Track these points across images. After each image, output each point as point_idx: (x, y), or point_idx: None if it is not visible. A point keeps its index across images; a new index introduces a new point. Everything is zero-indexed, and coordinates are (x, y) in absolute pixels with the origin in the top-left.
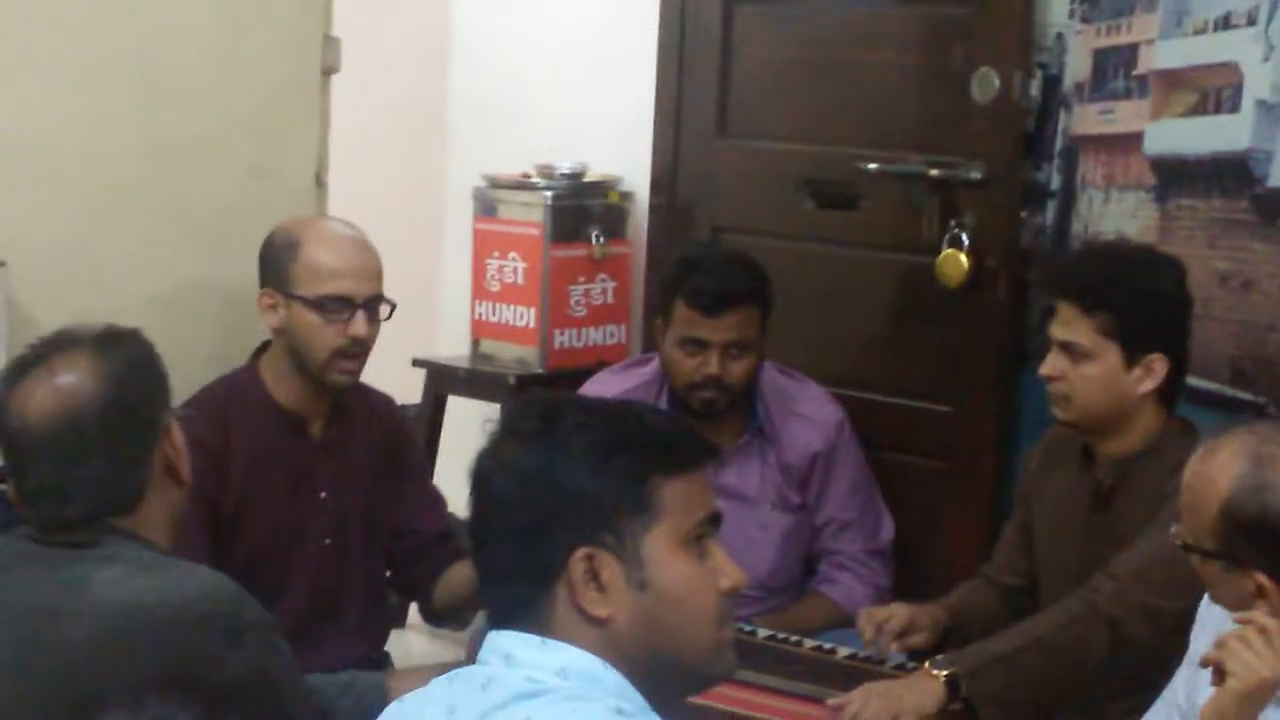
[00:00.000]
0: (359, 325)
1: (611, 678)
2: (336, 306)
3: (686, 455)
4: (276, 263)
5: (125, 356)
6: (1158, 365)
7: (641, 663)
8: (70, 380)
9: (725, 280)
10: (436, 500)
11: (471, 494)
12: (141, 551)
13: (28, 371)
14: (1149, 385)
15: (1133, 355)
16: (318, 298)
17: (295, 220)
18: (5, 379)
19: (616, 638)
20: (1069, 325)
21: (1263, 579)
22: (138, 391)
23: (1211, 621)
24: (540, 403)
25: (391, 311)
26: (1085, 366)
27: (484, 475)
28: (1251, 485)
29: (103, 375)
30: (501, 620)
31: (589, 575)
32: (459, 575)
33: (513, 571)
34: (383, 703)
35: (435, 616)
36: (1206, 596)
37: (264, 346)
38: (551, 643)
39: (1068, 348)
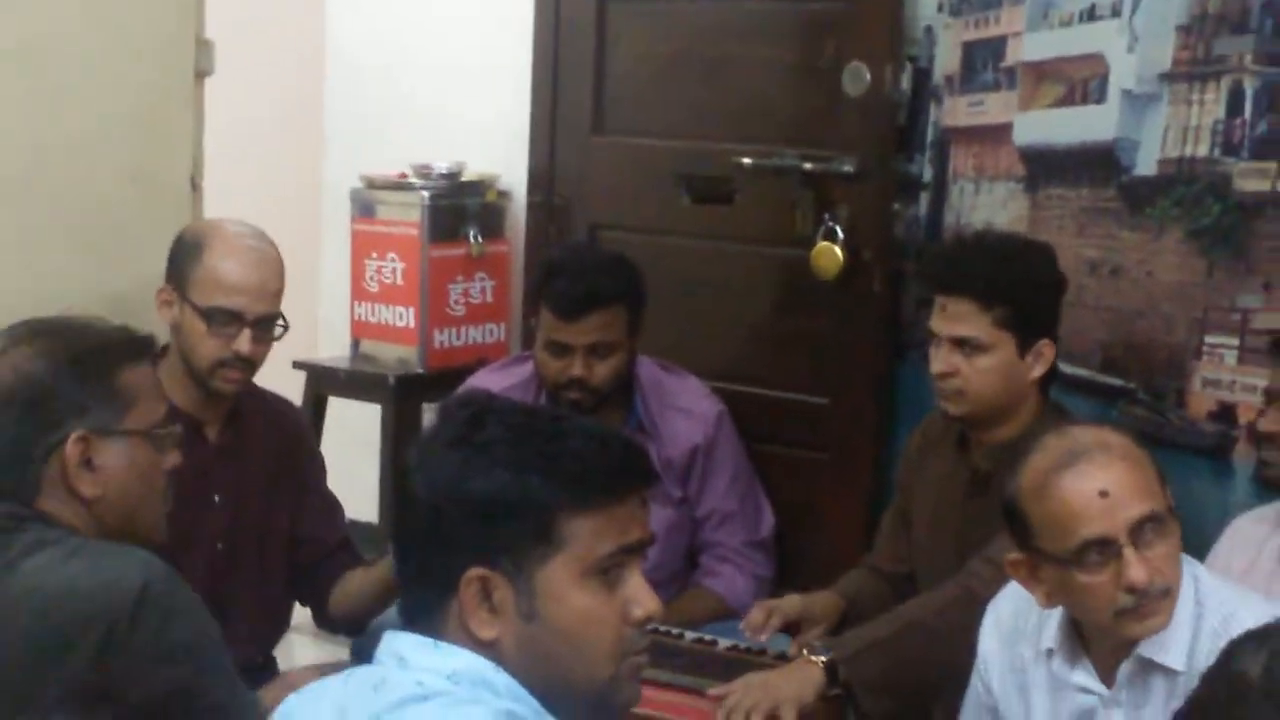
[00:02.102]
0: (244, 342)
1: (502, 681)
2: (224, 320)
3: (603, 487)
4: (180, 262)
5: (51, 348)
6: (1046, 350)
7: (531, 684)
8: (4, 361)
9: (584, 284)
10: (334, 507)
11: (395, 489)
12: (69, 535)
13: None
14: (1039, 370)
15: (1025, 344)
16: (207, 308)
17: (208, 223)
18: None
19: (503, 659)
20: (963, 320)
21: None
22: (42, 386)
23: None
24: (470, 406)
25: (284, 332)
26: (981, 359)
27: (407, 473)
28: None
29: (15, 365)
30: (409, 620)
31: (480, 596)
32: (354, 583)
33: (418, 575)
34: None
35: (330, 623)
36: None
37: (163, 350)
38: (444, 645)
39: (962, 343)
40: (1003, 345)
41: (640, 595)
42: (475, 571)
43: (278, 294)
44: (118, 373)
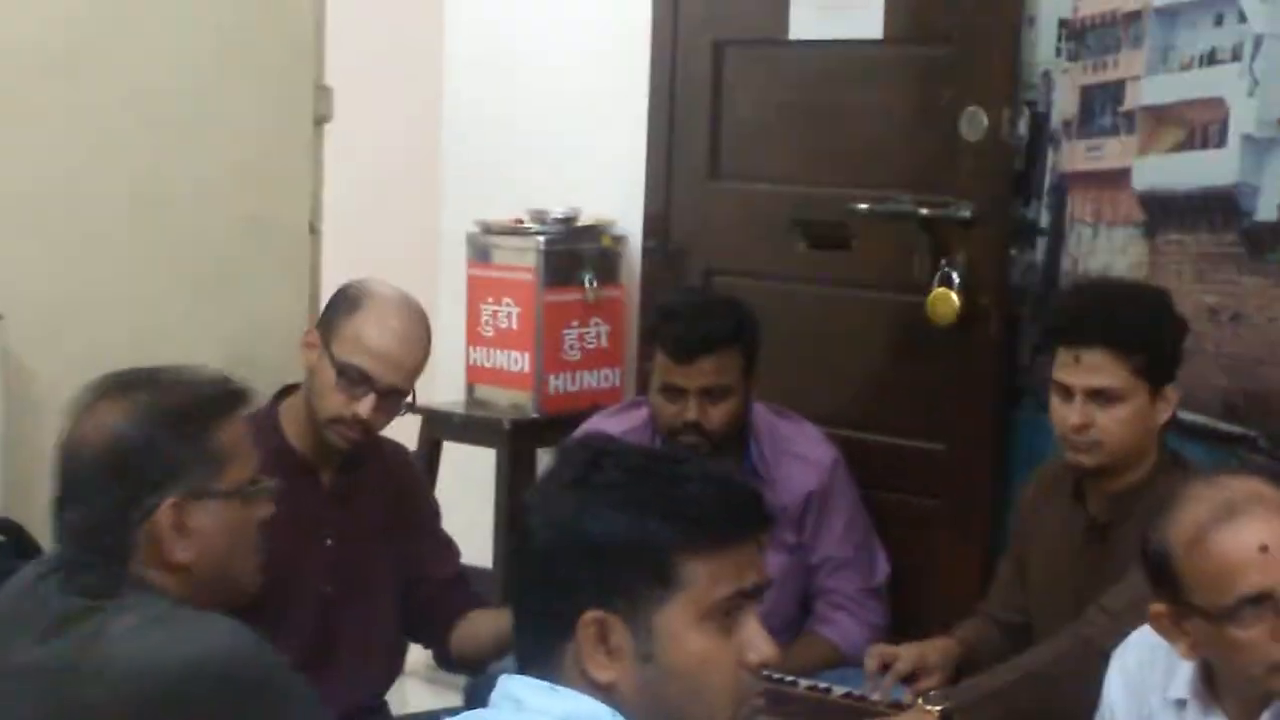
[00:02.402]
0: (365, 406)
1: None
2: (356, 378)
3: (721, 530)
4: (334, 311)
5: (145, 405)
6: (1171, 394)
7: None
8: (93, 421)
9: (698, 327)
10: (448, 546)
11: (511, 529)
12: (156, 601)
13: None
14: (1166, 416)
15: (1156, 390)
16: (343, 363)
17: (375, 284)
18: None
19: (620, 702)
20: (1100, 370)
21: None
22: (135, 447)
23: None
24: (587, 447)
25: (410, 408)
26: (1117, 409)
27: (524, 515)
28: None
29: (108, 424)
30: (524, 663)
31: (598, 638)
32: (477, 624)
33: (534, 617)
34: None
35: (450, 664)
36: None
37: (285, 390)
38: (560, 689)
39: (1097, 394)
40: (1138, 393)
41: (757, 640)
42: (593, 614)
43: (414, 371)
44: (212, 431)
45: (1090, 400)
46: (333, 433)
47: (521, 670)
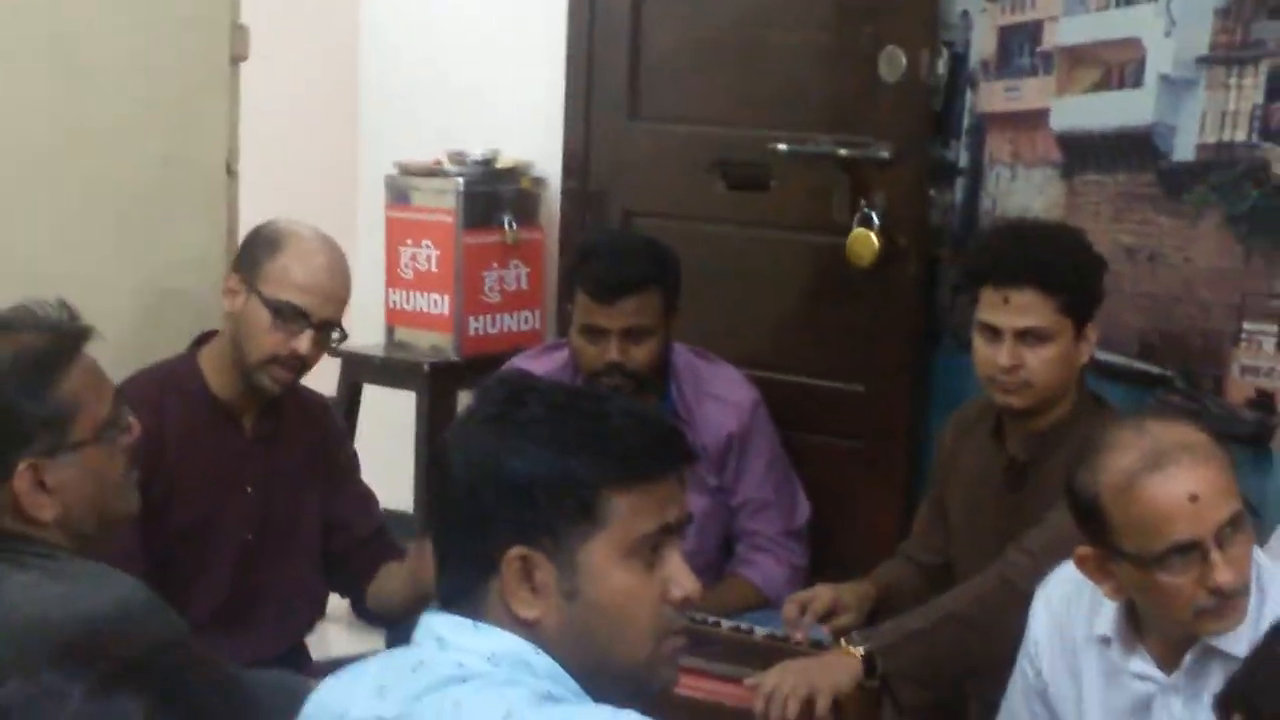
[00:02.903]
0: (304, 342)
1: (542, 663)
2: (291, 315)
3: (644, 465)
4: (254, 254)
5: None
6: (1091, 333)
7: (570, 664)
8: None
9: (620, 267)
10: (368, 498)
11: (432, 469)
12: (52, 554)
13: None
14: (1088, 354)
15: (1080, 328)
16: (277, 301)
17: (289, 223)
18: None
19: (544, 639)
20: (1028, 310)
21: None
22: None
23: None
24: (509, 384)
25: (342, 339)
26: (1046, 349)
27: (444, 453)
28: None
29: None
30: (447, 601)
31: (522, 575)
32: (391, 581)
33: (457, 555)
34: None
35: (369, 616)
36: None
37: (204, 337)
38: (484, 627)
39: (1027, 334)
40: (1064, 333)
41: (680, 575)
42: (517, 550)
43: (344, 302)
44: (56, 384)
45: (1019, 341)
46: (266, 375)
47: (444, 608)
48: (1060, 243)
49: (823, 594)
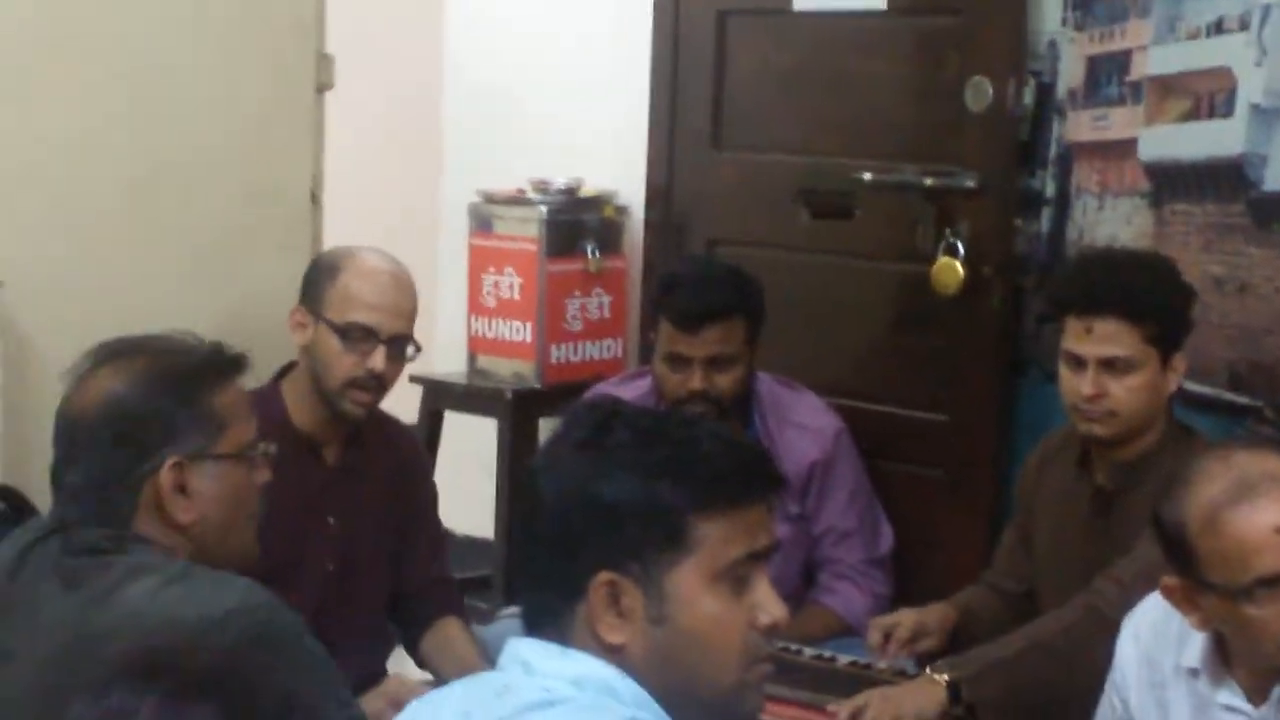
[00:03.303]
0: (377, 359)
1: (628, 689)
2: (360, 335)
3: (733, 491)
4: (315, 283)
5: (143, 370)
6: (1179, 363)
7: (656, 691)
8: (93, 387)
9: (703, 296)
10: (440, 541)
11: (521, 491)
12: (170, 561)
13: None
14: (1175, 384)
15: (1167, 358)
16: (344, 324)
17: (344, 247)
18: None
19: (630, 665)
20: (1112, 339)
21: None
22: (135, 411)
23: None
24: (598, 408)
25: (417, 353)
26: (1131, 378)
27: (533, 477)
28: None
29: (107, 388)
30: (531, 625)
31: (609, 600)
32: (448, 647)
33: (543, 579)
34: None
35: (418, 659)
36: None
37: (287, 368)
38: (570, 652)
39: (1111, 363)
40: (1149, 362)
41: (768, 602)
42: (604, 576)
43: (411, 315)
44: (210, 394)
45: (1103, 370)
46: (347, 400)
47: (530, 633)
48: (1147, 272)
49: (906, 619)
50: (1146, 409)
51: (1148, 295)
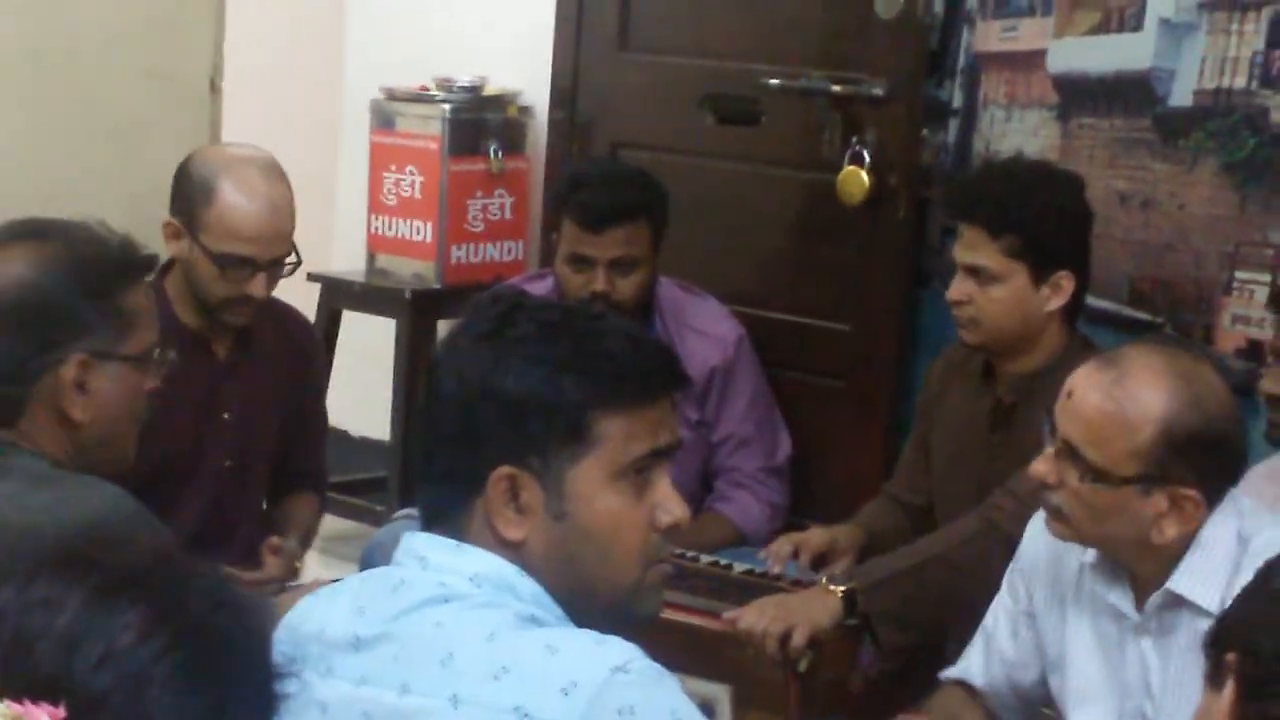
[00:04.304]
0: (257, 286)
1: (526, 586)
2: (237, 265)
3: (638, 388)
4: (188, 199)
5: (55, 258)
6: (1065, 283)
7: (555, 589)
8: (3, 268)
9: (610, 196)
10: (322, 431)
11: (426, 385)
12: (36, 462)
13: None
14: (1057, 303)
15: (1040, 274)
16: (220, 254)
17: (215, 155)
18: None
19: (528, 561)
20: (975, 249)
21: (1190, 492)
22: (45, 301)
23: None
24: (503, 300)
25: (295, 267)
26: (993, 289)
27: (434, 369)
28: (1188, 400)
29: (17, 272)
30: (429, 521)
31: (508, 495)
32: (290, 503)
33: (442, 474)
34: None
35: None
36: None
37: (168, 265)
38: (467, 547)
39: (975, 271)
40: (1014, 275)
41: (669, 501)
42: (504, 470)
43: (289, 235)
44: (122, 293)
45: (969, 277)
46: (227, 314)
47: (427, 528)
48: (1027, 185)
49: (817, 536)
50: (1012, 322)
51: (1012, 208)
